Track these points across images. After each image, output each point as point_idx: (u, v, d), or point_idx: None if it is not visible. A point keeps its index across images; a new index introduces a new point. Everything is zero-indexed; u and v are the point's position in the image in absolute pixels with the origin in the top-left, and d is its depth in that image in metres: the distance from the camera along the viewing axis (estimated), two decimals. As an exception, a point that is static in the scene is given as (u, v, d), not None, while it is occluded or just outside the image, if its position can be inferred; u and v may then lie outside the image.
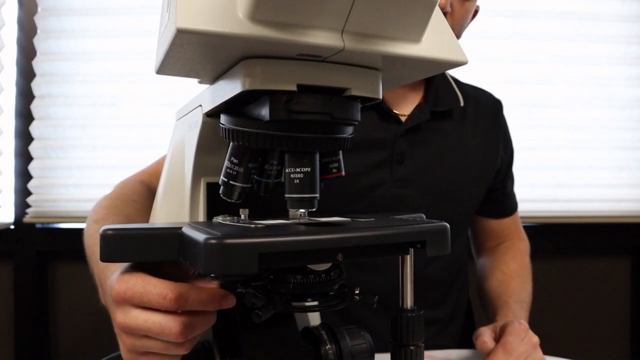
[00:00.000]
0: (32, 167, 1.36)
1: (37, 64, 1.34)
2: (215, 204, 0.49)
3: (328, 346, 0.50)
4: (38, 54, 1.35)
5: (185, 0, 0.32)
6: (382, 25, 0.36)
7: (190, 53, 0.37)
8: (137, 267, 0.43)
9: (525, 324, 0.71)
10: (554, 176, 1.45)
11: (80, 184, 1.36)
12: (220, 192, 0.45)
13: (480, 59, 1.40)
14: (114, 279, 0.42)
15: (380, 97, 0.43)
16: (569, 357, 0.74)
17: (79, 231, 0.71)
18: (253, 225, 0.41)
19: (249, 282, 0.44)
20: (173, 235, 0.41)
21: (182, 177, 0.52)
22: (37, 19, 1.34)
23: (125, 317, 0.41)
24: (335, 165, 0.46)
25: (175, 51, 0.36)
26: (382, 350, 0.54)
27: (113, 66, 1.36)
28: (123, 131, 1.37)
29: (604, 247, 1.56)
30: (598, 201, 1.47)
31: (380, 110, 0.85)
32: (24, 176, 1.38)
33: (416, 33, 0.38)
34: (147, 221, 0.69)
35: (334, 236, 0.38)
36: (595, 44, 1.45)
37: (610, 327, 1.56)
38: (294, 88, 0.38)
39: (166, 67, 0.41)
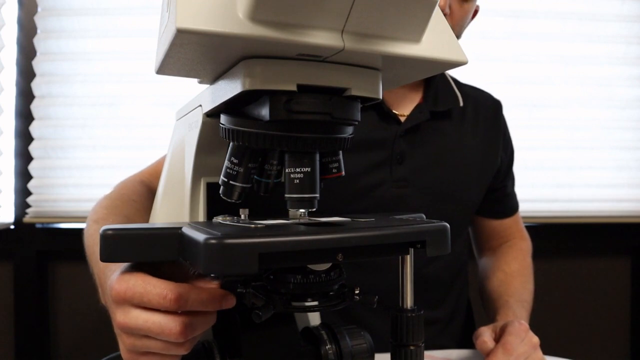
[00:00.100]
0: (32, 167, 1.36)
1: (37, 64, 1.34)
2: (215, 204, 0.49)
3: (328, 346, 0.50)
4: (38, 54, 1.35)
5: (185, 0, 0.32)
6: (382, 25, 0.36)
7: (190, 53, 0.37)
8: (137, 267, 0.43)
9: (525, 324, 0.71)
10: (554, 176, 1.45)
11: (80, 184, 1.36)
12: (220, 192, 0.45)
13: (480, 59, 1.40)
14: (114, 278, 0.42)
15: (380, 97, 0.43)
16: (569, 357, 0.74)
17: (79, 231, 0.71)
18: (253, 225, 0.41)
19: (249, 282, 0.44)
20: (173, 235, 0.41)
21: (182, 177, 0.52)
22: (37, 19, 1.34)
23: (125, 317, 0.41)
24: (335, 165, 0.46)
25: (175, 51, 0.36)
26: (382, 350, 0.54)
27: (113, 66, 1.36)
28: (123, 131, 1.37)
29: (604, 247, 1.56)
30: (598, 201, 1.47)
31: (379, 110, 0.85)
32: (24, 176, 1.38)
33: (416, 33, 0.38)
34: (147, 221, 0.69)
35: (334, 236, 0.38)
36: (595, 44, 1.45)
37: (610, 327, 1.56)
38: (294, 88, 0.38)
39: (166, 67, 0.41)
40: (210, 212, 0.51)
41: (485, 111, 0.95)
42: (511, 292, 0.88)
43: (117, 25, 1.36)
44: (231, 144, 0.44)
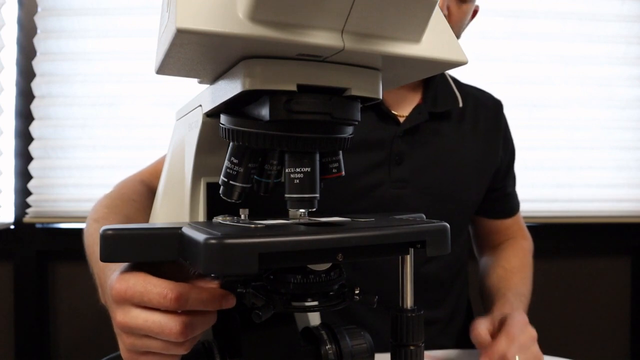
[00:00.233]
0: (32, 167, 1.36)
1: (37, 64, 1.34)
2: (215, 204, 0.49)
3: (328, 346, 0.50)
4: (38, 54, 1.35)
5: (185, 0, 0.32)
6: (382, 25, 0.36)
7: (190, 53, 0.37)
8: (138, 266, 0.43)
9: (525, 316, 0.71)
10: (554, 176, 1.45)
11: (80, 184, 1.36)
12: (220, 192, 0.45)
13: (480, 59, 1.40)
14: (114, 278, 0.42)
15: (380, 97, 0.43)
16: (569, 357, 0.74)
17: (79, 231, 0.71)
18: (253, 225, 0.41)
19: (249, 282, 0.44)
20: (173, 235, 0.41)
21: (182, 177, 0.52)
22: (37, 19, 1.34)
23: (125, 316, 0.41)
24: (335, 165, 0.46)
25: (175, 51, 0.36)
26: (382, 350, 0.54)
27: (113, 66, 1.36)
28: (123, 131, 1.37)
29: (604, 247, 1.56)
30: (598, 201, 1.47)
31: (379, 111, 0.85)
32: (24, 176, 1.38)
33: (416, 33, 0.38)
34: (147, 221, 0.69)
35: (334, 236, 0.38)
36: (595, 44, 1.45)
37: (610, 327, 1.56)
38: (294, 88, 0.38)
39: (166, 67, 0.41)
40: (210, 212, 0.51)
41: (485, 111, 0.95)
42: (510, 286, 0.88)
43: (117, 25, 1.36)
44: (231, 144, 0.44)
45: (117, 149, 1.36)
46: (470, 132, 0.91)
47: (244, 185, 0.44)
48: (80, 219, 1.34)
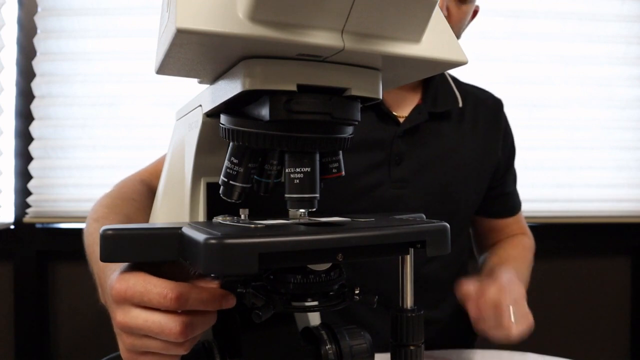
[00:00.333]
0: (32, 167, 1.36)
1: (37, 64, 1.34)
2: (215, 204, 0.49)
3: (328, 346, 0.50)
4: (38, 54, 1.35)
5: (185, 0, 0.32)
6: (382, 25, 0.36)
7: (190, 53, 0.37)
8: (138, 266, 0.43)
9: (515, 274, 0.70)
10: (554, 176, 1.45)
11: (80, 184, 1.36)
12: (220, 192, 0.45)
13: (480, 59, 1.40)
14: (114, 278, 0.42)
15: (380, 97, 0.43)
16: (569, 357, 0.74)
17: (79, 231, 0.71)
18: (253, 225, 0.41)
19: (249, 282, 0.44)
20: (173, 235, 0.41)
21: (182, 177, 0.52)
22: (37, 19, 1.34)
23: (125, 316, 0.41)
24: (335, 165, 0.46)
25: (175, 51, 0.36)
26: (382, 350, 0.54)
27: (113, 66, 1.36)
28: (123, 131, 1.37)
29: (604, 247, 1.56)
30: (598, 201, 1.47)
31: (379, 111, 0.85)
32: (24, 176, 1.38)
33: (416, 33, 0.38)
34: (147, 220, 0.69)
35: (334, 236, 0.38)
36: (595, 44, 1.45)
37: (610, 327, 1.56)
38: (294, 88, 0.38)
39: (166, 67, 0.41)
40: (210, 212, 0.51)
41: (485, 110, 0.95)
42: (504, 262, 0.87)
43: (117, 25, 1.35)
44: (231, 144, 0.44)
45: (117, 149, 1.36)
46: (470, 132, 0.91)
47: (244, 185, 0.44)
48: (80, 219, 1.34)
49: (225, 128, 0.43)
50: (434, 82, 0.91)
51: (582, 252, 1.55)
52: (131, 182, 0.80)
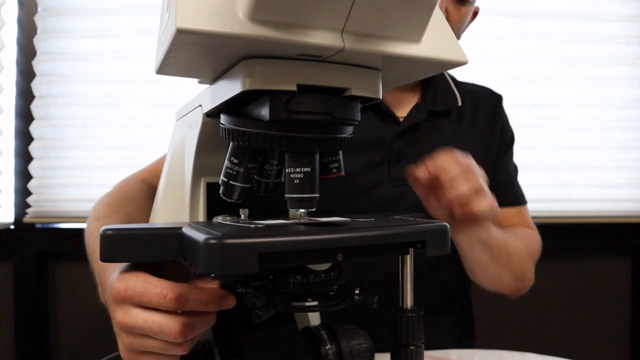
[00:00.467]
0: (32, 167, 1.36)
1: (37, 64, 1.34)
2: (215, 204, 0.49)
3: (328, 346, 0.50)
4: (38, 54, 1.35)
5: (185, 0, 0.32)
6: (382, 25, 0.36)
7: (190, 53, 0.37)
8: (138, 266, 0.43)
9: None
10: (554, 176, 1.45)
11: (80, 184, 1.36)
12: (220, 192, 0.45)
13: (480, 59, 1.40)
14: (114, 277, 0.42)
15: (380, 97, 0.43)
16: (569, 357, 0.74)
17: (79, 231, 0.71)
18: (253, 225, 0.41)
19: (249, 282, 0.44)
20: (173, 235, 0.41)
21: (182, 177, 0.52)
22: (37, 19, 1.34)
23: (124, 316, 0.41)
24: (335, 165, 0.46)
25: (175, 51, 0.36)
26: (382, 350, 0.54)
27: (113, 66, 1.36)
28: (123, 131, 1.37)
29: (604, 247, 1.56)
30: (598, 201, 1.47)
31: (379, 110, 0.85)
32: (24, 176, 1.38)
33: (416, 33, 0.38)
34: (148, 219, 0.69)
35: (334, 236, 0.38)
36: (595, 44, 1.45)
37: (610, 327, 1.56)
38: (294, 88, 0.38)
39: (166, 67, 0.41)
40: (210, 212, 0.51)
41: (484, 106, 0.95)
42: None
43: (117, 25, 1.35)
44: (231, 144, 0.44)
45: (117, 149, 1.36)
46: (469, 129, 0.91)
47: (244, 185, 0.44)
48: (80, 219, 1.34)
49: (225, 128, 0.43)
50: (433, 81, 0.91)
51: (582, 252, 1.55)
52: (132, 182, 0.80)
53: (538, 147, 1.44)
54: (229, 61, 0.39)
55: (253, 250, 0.34)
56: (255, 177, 0.45)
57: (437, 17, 0.40)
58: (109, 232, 0.40)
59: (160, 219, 0.61)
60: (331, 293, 0.45)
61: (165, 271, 0.43)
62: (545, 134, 1.44)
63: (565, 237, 1.49)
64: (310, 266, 0.42)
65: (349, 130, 0.44)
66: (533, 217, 1.42)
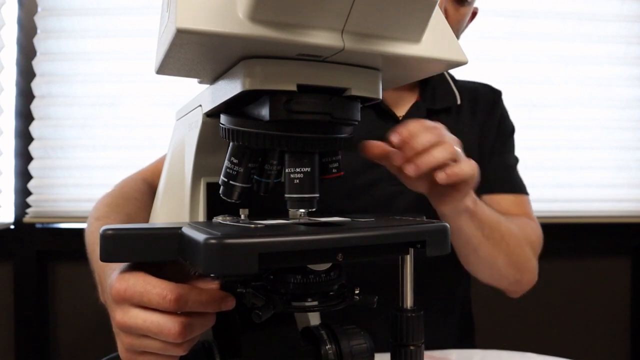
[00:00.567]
0: (32, 167, 1.36)
1: (37, 64, 1.34)
2: (215, 204, 0.49)
3: (328, 346, 0.50)
4: (38, 54, 1.35)
5: (185, 0, 0.32)
6: (382, 25, 0.36)
7: (190, 53, 0.37)
8: (138, 266, 0.43)
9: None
10: (554, 176, 1.45)
11: (80, 184, 1.36)
12: (220, 192, 0.45)
13: (480, 59, 1.40)
14: (114, 277, 0.42)
15: (380, 97, 0.43)
16: (569, 357, 0.74)
17: (79, 231, 0.71)
18: (253, 225, 0.41)
19: (249, 282, 0.44)
20: (173, 235, 0.41)
21: (182, 177, 0.52)
22: (37, 19, 1.34)
23: (124, 315, 0.41)
24: (335, 165, 0.46)
25: (175, 51, 0.36)
26: (382, 350, 0.54)
27: (113, 66, 1.36)
28: (123, 131, 1.37)
29: (604, 247, 1.56)
30: (598, 201, 1.47)
31: (378, 109, 0.85)
32: (24, 176, 1.38)
33: (416, 33, 0.38)
34: (148, 219, 0.69)
35: (334, 236, 0.38)
36: (595, 44, 1.45)
37: (610, 327, 1.56)
38: (294, 88, 0.38)
39: (166, 67, 0.41)
40: (210, 212, 0.51)
41: (482, 101, 0.94)
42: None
43: (117, 25, 1.35)
44: (231, 144, 0.44)
45: (117, 149, 1.36)
46: (468, 125, 0.91)
47: (244, 185, 0.44)
48: (80, 219, 1.34)
49: (225, 128, 0.43)
50: (432, 80, 0.91)
51: (582, 252, 1.55)
52: (133, 182, 0.80)
53: (538, 147, 1.44)
54: (229, 61, 0.39)
55: (253, 250, 0.34)
56: (255, 177, 0.45)
57: (437, 17, 0.40)
58: (109, 232, 0.40)
59: (160, 219, 0.61)
60: (331, 293, 0.45)
61: (165, 271, 0.43)
62: (545, 134, 1.44)
63: (565, 237, 1.49)
64: (310, 266, 0.42)
65: (349, 130, 0.44)
66: (533, 217, 1.43)
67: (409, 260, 0.45)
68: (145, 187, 0.78)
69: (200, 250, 0.35)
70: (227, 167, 0.44)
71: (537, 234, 0.88)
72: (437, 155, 0.55)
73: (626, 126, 1.47)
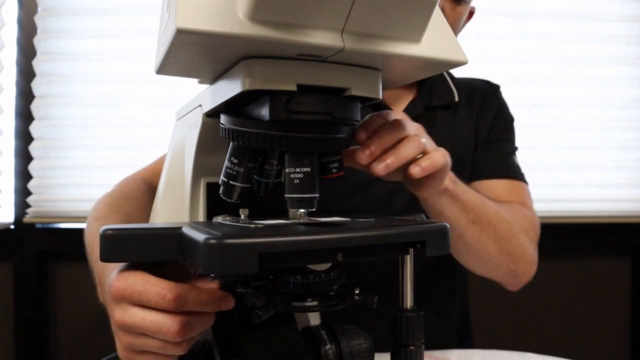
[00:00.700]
0: (32, 167, 1.36)
1: (37, 64, 1.34)
2: (215, 204, 0.49)
3: (328, 346, 0.50)
4: (38, 54, 1.35)
5: (185, 0, 0.32)
6: (382, 25, 0.36)
7: (190, 53, 0.37)
8: (137, 265, 0.43)
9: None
10: (554, 176, 1.45)
11: (80, 184, 1.36)
12: (220, 192, 0.45)
13: (480, 59, 1.40)
14: (114, 276, 0.42)
15: (380, 97, 0.43)
16: (569, 357, 0.74)
17: (79, 231, 0.71)
18: (253, 225, 0.41)
19: (249, 282, 0.44)
20: (173, 235, 0.41)
21: (182, 177, 0.52)
22: (37, 19, 1.34)
23: (123, 314, 0.41)
24: (335, 165, 0.46)
25: (175, 51, 0.36)
26: (382, 350, 0.54)
27: (113, 66, 1.36)
28: (123, 131, 1.37)
29: (604, 247, 1.56)
30: (598, 201, 1.47)
31: (375, 107, 0.85)
32: (24, 176, 1.38)
33: (416, 33, 0.38)
34: (148, 219, 0.69)
35: (334, 236, 0.38)
36: (595, 44, 1.45)
37: (610, 327, 1.56)
38: (294, 88, 0.38)
39: (166, 67, 0.41)
40: (210, 212, 0.51)
41: (478, 96, 0.94)
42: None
43: (117, 25, 1.35)
44: (231, 144, 0.44)
45: (117, 149, 1.36)
46: (465, 120, 0.91)
47: (244, 185, 0.44)
48: (80, 219, 1.34)
49: (225, 128, 0.43)
50: (430, 77, 0.90)
51: (582, 252, 1.55)
52: (133, 181, 0.80)
53: (538, 147, 1.44)
54: (229, 61, 0.39)
55: (253, 250, 0.34)
56: (255, 177, 0.45)
57: (437, 17, 0.40)
58: (109, 232, 0.40)
59: (160, 219, 0.61)
60: (331, 293, 0.45)
61: (165, 271, 0.43)
62: (545, 134, 1.44)
63: (565, 237, 1.49)
64: (310, 266, 0.42)
65: (349, 130, 0.44)
66: (533, 217, 1.43)
67: (409, 260, 0.45)
68: (145, 187, 0.78)
69: (200, 250, 0.35)
70: (227, 167, 0.44)
71: (531, 222, 0.84)
72: (405, 153, 0.53)
73: (626, 126, 1.47)
